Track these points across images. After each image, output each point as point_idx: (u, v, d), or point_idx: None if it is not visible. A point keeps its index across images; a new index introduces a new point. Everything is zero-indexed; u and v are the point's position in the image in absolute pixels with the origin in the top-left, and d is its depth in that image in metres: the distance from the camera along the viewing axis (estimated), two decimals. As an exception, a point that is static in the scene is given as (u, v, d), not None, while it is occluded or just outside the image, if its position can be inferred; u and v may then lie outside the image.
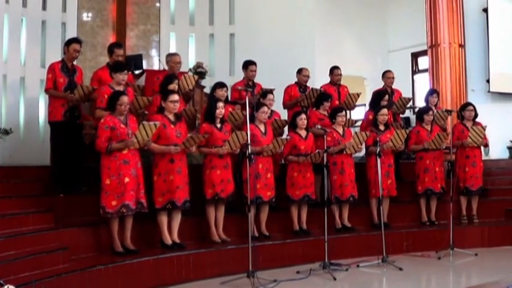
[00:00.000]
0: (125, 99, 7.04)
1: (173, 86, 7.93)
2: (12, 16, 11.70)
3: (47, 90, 8.13)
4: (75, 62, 8.57)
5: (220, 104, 7.92)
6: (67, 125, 8.05)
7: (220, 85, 8.74)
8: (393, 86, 10.56)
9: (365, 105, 10.21)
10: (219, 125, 7.91)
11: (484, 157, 10.15)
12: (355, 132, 8.97)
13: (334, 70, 10.26)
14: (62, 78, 8.04)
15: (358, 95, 10.09)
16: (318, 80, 11.09)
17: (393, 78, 10.50)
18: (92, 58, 12.58)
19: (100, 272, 6.56)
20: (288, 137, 8.53)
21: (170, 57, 9.04)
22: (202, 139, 7.50)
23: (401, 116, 10.94)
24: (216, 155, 7.82)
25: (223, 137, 7.82)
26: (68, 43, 8.26)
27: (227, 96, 8.87)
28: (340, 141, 8.80)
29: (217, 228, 8.07)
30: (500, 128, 11.58)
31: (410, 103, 11.50)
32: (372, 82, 12.66)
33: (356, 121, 10.37)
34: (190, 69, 12.28)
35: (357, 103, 10.22)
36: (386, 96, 9.73)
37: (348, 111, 9.66)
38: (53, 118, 8.10)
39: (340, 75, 10.27)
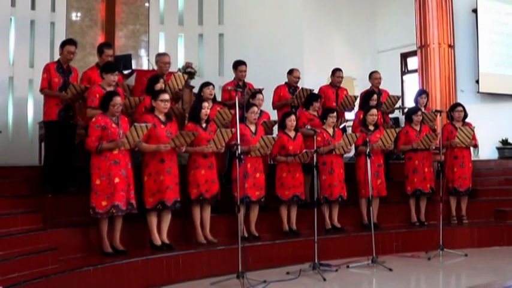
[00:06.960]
0: (118, 99, 7.02)
1: (159, 85, 7.90)
2: (0, 15, 11.65)
3: (41, 90, 8.08)
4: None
5: (206, 104, 7.87)
6: (61, 124, 8.01)
7: (207, 84, 8.69)
8: (381, 87, 10.54)
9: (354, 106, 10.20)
10: (204, 125, 7.85)
11: (473, 157, 10.16)
12: (345, 134, 8.96)
13: (336, 72, 10.20)
14: (57, 78, 7.99)
15: (356, 97, 10.05)
16: (307, 80, 11.10)
17: (380, 78, 10.49)
18: (80, 58, 12.51)
19: (89, 272, 6.52)
20: (275, 136, 8.50)
21: (159, 57, 8.98)
22: (193, 137, 7.44)
23: (390, 116, 10.93)
24: (201, 155, 7.75)
25: (208, 137, 7.75)
26: (62, 45, 8.20)
27: (215, 95, 8.82)
28: (330, 142, 8.78)
29: (204, 229, 8.01)
30: (489, 128, 11.65)
31: (399, 103, 11.52)
32: (362, 83, 12.67)
33: (348, 120, 10.40)
34: (179, 69, 12.27)
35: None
36: (375, 96, 9.72)
37: (344, 112, 9.74)
38: (47, 118, 8.05)
39: (342, 77, 10.23)
